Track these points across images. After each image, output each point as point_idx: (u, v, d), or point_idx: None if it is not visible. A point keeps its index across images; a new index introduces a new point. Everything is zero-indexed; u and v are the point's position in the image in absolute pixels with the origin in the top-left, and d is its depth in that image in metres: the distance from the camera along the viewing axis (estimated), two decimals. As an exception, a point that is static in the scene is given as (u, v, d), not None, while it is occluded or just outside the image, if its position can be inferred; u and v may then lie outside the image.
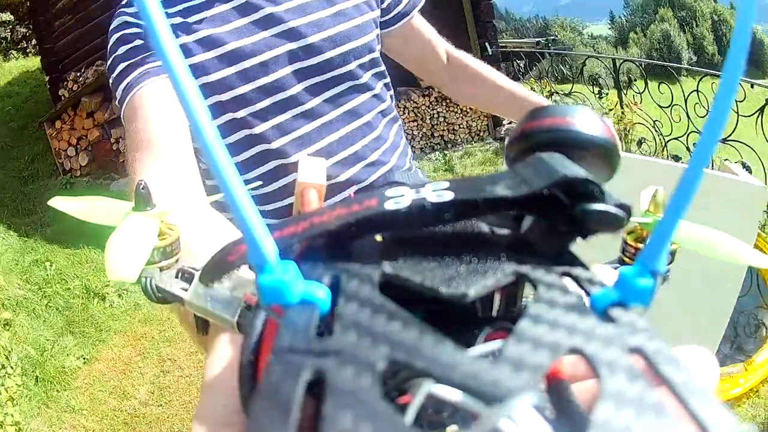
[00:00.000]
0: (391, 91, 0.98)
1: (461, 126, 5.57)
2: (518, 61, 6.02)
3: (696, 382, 0.15)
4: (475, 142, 5.59)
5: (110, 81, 0.74)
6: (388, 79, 0.97)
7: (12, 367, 2.65)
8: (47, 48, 5.48)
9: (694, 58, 33.25)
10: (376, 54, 0.91)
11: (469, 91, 1.06)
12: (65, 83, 5.41)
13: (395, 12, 0.93)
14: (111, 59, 0.74)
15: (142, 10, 0.14)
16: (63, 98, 5.26)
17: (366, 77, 0.87)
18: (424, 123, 5.44)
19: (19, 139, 5.81)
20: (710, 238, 0.30)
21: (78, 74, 5.32)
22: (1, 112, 6.42)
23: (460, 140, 5.58)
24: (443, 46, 1.03)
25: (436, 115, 5.46)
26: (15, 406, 2.48)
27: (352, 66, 0.84)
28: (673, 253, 0.33)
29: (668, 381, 0.15)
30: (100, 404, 2.60)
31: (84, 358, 2.89)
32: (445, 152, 5.40)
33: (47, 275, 3.52)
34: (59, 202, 0.33)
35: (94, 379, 2.75)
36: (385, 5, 0.91)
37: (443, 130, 5.53)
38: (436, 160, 5.32)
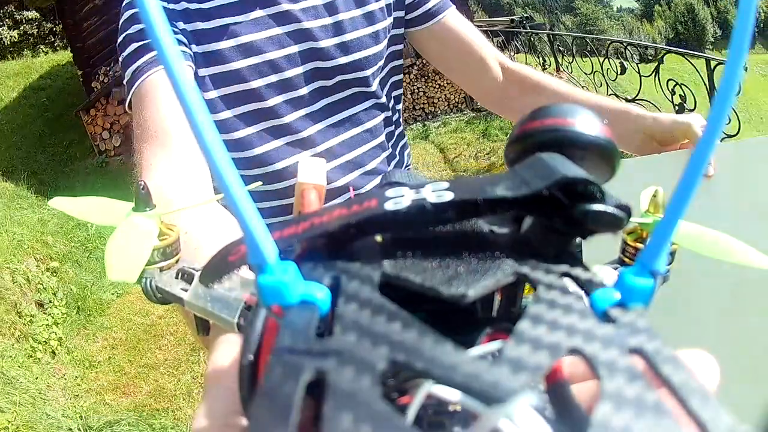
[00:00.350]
0: (400, 104, 0.96)
1: (440, 99, 6.32)
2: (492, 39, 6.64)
3: (696, 382, 0.15)
4: (453, 113, 6.34)
5: (120, 59, 0.72)
6: (400, 91, 0.95)
7: (57, 301, 3.44)
8: (78, 47, 6.15)
9: (719, 32, 32.81)
10: (391, 61, 0.90)
11: (532, 104, 0.89)
12: (97, 76, 6.05)
13: (423, 10, 0.88)
14: (122, 36, 0.72)
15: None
16: (95, 90, 5.88)
17: (374, 85, 0.86)
18: (406, 97, 6.14)
19: (56, 127, 6.56)
20: (709, 237, 0.30)
21: (107, 68, 5.99)
22: (37, 104, 7.20)
23: (439, 112, 6.35)
24: (493, 55, 0.93)
25: (416, 90, 6.21)
26: (58, 327, 3.27)
27: (362, 74, 0.83)
28: (672, 254, 0.34)
29: (668, 381, 0.15)
30: (127, 322, 3.44)
31: (117, 293, 3.73)
32: (425, 122, 6.19)
33: (89, 235, 4.25)
34: (59, 203, 0.33)
35: (124, 306, 3.60)
36: (409, 1, 0.88)
37: (423, 103, 6.29)
38: (416, 129, 6.11)
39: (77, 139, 6.17)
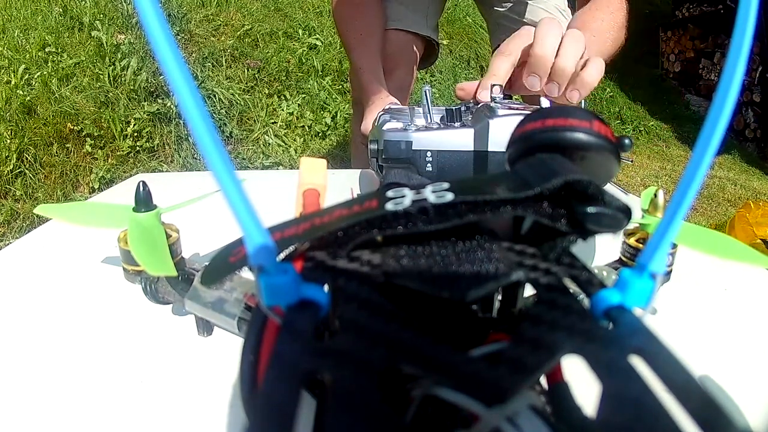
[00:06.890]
0: None
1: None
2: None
3: (696, 383, 0.15)
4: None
5: None
6: None
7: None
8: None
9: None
10: None
11: None
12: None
13: None
14: None
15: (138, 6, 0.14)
16: (678, 16, 5.62)
17: None
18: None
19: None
20: (708, 237, 0.30)
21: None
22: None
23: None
24: None
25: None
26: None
27: None
28: (673, 255, 0.34)
29: (668, 382, 0.15)
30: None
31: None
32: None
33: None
34: (45, 210, 0.32)
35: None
36: None
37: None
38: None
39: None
